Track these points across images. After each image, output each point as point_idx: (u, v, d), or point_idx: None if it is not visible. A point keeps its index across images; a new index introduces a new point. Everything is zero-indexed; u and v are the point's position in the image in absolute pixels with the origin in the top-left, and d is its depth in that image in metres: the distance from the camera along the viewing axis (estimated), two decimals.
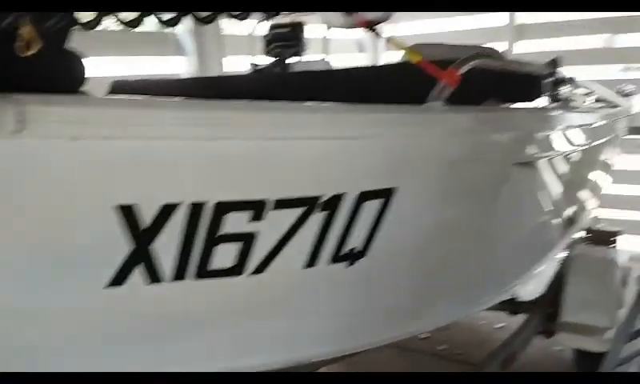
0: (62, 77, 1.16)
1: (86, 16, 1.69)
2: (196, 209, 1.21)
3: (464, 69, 1.51)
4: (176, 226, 1.21)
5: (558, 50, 5.47)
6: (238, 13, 1.55)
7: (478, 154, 1.70)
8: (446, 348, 3.69)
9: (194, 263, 1.30)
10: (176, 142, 1.12)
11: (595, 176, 3.72)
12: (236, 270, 1.37)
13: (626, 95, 3.97)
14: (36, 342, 1.27)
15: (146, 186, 1.16)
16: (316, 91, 1.93)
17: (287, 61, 3.18)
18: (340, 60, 4.30)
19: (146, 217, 1.17)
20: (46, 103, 1.00)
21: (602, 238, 3.60)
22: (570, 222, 3.24)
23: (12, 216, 1.07)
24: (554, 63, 2.01)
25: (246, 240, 1.33)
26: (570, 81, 2.45)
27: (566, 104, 2.15)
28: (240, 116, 1.19)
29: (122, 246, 1.20)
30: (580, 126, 2.53)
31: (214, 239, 1.28)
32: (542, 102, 2.17)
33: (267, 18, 2.85)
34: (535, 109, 2.17)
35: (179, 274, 1.30)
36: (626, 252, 3.37)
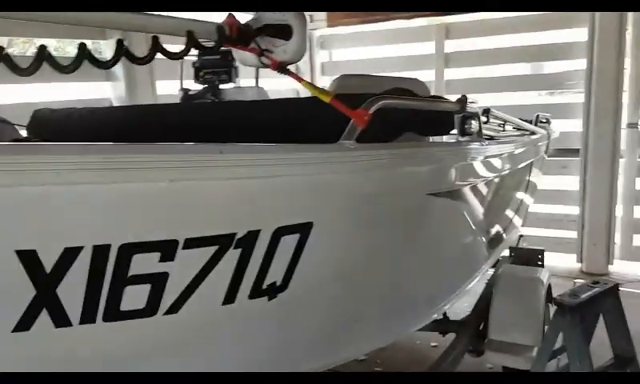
0: None
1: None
2: (100, 252, 1.19)
3: (374, 108, 1.56)
4: (81, 269, 1.19)
5: (485, 76, 5.78)
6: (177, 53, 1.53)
7: (391, 187, 1.75)
8: (382, 370, 3.74)
9: (104, 305, 1.27)
10: (74, 187, 1.10)
11: (519, 196, 3.89)
12: (149, 310, 1.34)
13: (543, 122, 4.20)
14: None
15: (45, 231, 1.13)
16: (241, 121, 1.94)
17: (219, 87, 3.19)
18: (274, 85, 4.35)
19: (48, 261, 1.14)
20: None
21: (527, 256, 3.76)
22: (496, 240, 3.37)
23: None
24: (463, 100, 2.12)
25: (158, 280, 1.31)
26: (486, 112, 2.58)
27: (477, 136, 2.27)
28: (148, 158, 1.17)
29: (26, 290, 1.16)
30: (496, 155, 2.66)
31: (123, 281, 1.25)
32: (453, 136, 2.28)
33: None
34: (448, 142, 2.27)
35: (89, 317, 1.26)
36: (549, 269, 3.52)
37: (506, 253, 3.81)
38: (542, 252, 3.79)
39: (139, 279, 1.28)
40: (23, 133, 2.35)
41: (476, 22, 5.53)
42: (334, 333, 1.95)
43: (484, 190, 2.69)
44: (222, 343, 1.59)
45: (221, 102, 3.02)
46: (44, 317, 1.21)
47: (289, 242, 1.50)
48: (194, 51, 1.56)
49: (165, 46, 1.51)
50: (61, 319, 1.23)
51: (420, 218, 2.04)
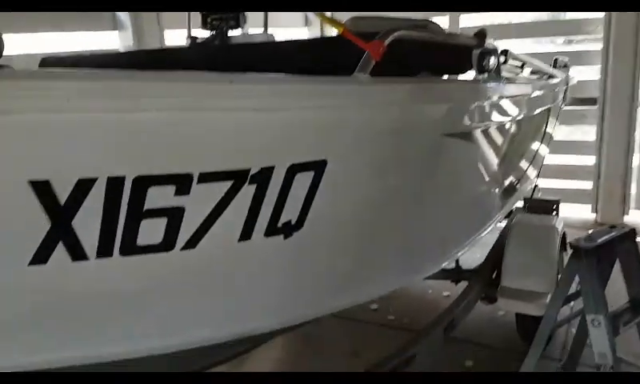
0: None
1: None
2: (114, 184, 1.18)
3: (388, 40, 1.51)
4: (95, 201, 1.17)
5: (501, 23, 5.62)
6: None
7: (406, 125, 1.71)
8: (394, 318, 3.78)
9: (120, 239, 1.26)
10: (84, 115, 1.08)
11: (535, 146, 3.83)
12: (166, 245, 1.34)
13: (562, 67, 4.08)
14: None
15: (58, 161, 1.11)
16: (253, 63, 1.90)
17: (228, 33, 3.12)
18: (283, 34, 4.27)
19: (62, 193, 1.13)
20: None
21: (542, 206, 3.73)
22: (510, 191, 3.33)
23: None
24: (482, 34, 2.04)
25: (174, 214, 1.30)
26: (504, 53, 2.50)
27: (495, 75, 2.19)
28: (157, 86, 1.15)
29: (41, 223, 1.16)
30: (513, 96, 2.59)
31: (139, 214, 1.24)
32: (472, 74, 2.22)
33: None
34: (465, 80, 2.20)
35: (106, 251, 1.26)
36: (564, 219, 3.49)
37: (520, 204, 3.78)
38: (557, 202, 3.76)
39: (155, 213, 1.27)
40: None
41: None
42: (346, 274, 1.95)
43: (501, 133, 2.63)
44: (238, 281, 1.59)
45: (231, 44, 2.96)
46: (60, 250, 1.21)
47: (303, 180, 1.48)
48: None
49: None
50: (77, 252, 1.23)
51: (435, 159, 2.00)
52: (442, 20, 5.48)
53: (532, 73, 3.48)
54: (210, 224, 1.38)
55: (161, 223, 1.30)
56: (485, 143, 2.45)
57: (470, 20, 5.62)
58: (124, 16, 3.82)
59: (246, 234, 1.46)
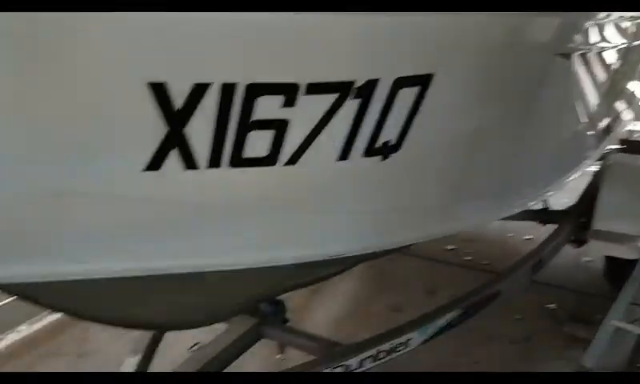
0: None
1: None
2: (228, 90, 1.18)
3: None
4: (209, 108, 1.18)
5: None
6: None
7: (519, 41, 1.61)
8: (472, 259, 3.72)
9: (229, 150, 1.27)
10: (202, 15, 1.07)
11: (632, 87, 3.58)
12: (270, 159, 1.35)
13: None
14: (78, 227, 1.28)
15: (176, 63, 1.12)
16: None
17: None
18: None
19: (178, 96, 1.15)
20: None
21: (638, 148, 3.51)
22: (606, 131, 3.15)
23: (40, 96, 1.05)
24: None
25: (279, 127, 1.30)
26: None
27: None
28: None
29: (157, 126, 1.17)
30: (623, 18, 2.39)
31: (247, 125, 1.25)
32: None
33: None
34: None
35: (215, 161, 1.28)
36: None
37: (614, 147, 3.57)
38: None
39: (262, 124, 1.27)
40: None
41: None
42: (435, 204, 1.90)
43: (608, 61, 2.44)
44: (334, 200, 1.60)
45: None
46: (173, 157, 1.22)
47: (407, 95, 1.43)
48: None
49: None
50: (189, 160, 1.25)
51: (542, 82, 1.89)
52: None
53: None
54: (311, 139, 1.37)
55: (266, 136, 1.30)
56: (588, 70, 2.28)
57: None
58: None
59: (345, 153, 1.45)
